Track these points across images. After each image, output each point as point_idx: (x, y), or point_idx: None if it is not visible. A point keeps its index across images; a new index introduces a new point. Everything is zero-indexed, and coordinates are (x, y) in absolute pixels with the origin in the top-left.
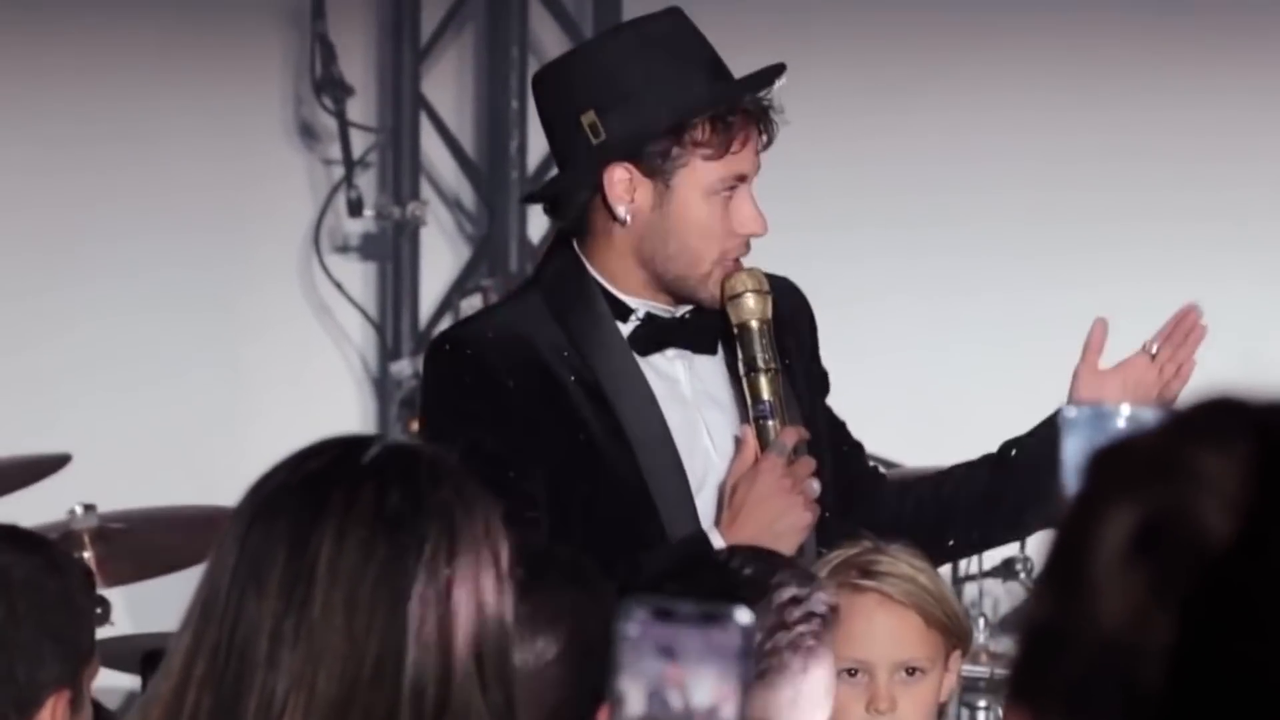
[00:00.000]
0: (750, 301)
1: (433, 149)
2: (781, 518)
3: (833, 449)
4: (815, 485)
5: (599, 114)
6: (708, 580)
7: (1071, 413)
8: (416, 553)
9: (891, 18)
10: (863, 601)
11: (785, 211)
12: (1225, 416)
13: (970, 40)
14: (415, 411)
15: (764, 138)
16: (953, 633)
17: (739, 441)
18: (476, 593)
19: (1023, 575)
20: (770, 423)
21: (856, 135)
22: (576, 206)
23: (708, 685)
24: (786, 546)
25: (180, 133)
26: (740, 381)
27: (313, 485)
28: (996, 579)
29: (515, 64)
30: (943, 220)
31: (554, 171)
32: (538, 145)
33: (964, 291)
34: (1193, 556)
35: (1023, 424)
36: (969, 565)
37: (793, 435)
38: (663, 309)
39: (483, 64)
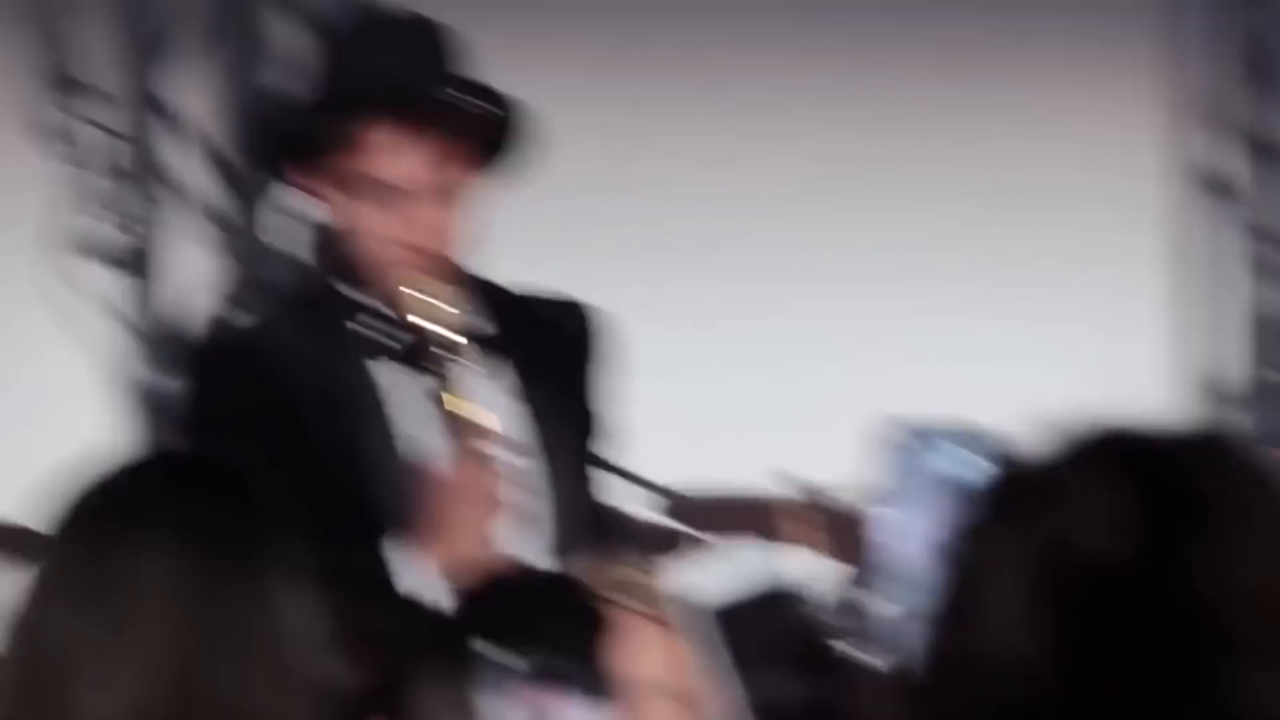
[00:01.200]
0: (436, 305)
1: (176, 148)
2: (470, 520)
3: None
4: (509, 486)
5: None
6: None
7: (899, 437)
8: (217, 565)
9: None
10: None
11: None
12: (1108, 445)
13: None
14: (166, 422)
15: (450, 142)
16: (693, 636)
17: (420, 438)
18: (279, 603)
19: None
20: (463, 426)
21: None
22: None
23: None
24: (476, 548)
25: None
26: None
27: (112, 497)
28: None
29: (252, 55)
30: (742, 241)
31: None
32: None
33: (769, 315)
34: (1085, 578)
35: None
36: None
37: (482, 438)
38: None
39: (221, 57)
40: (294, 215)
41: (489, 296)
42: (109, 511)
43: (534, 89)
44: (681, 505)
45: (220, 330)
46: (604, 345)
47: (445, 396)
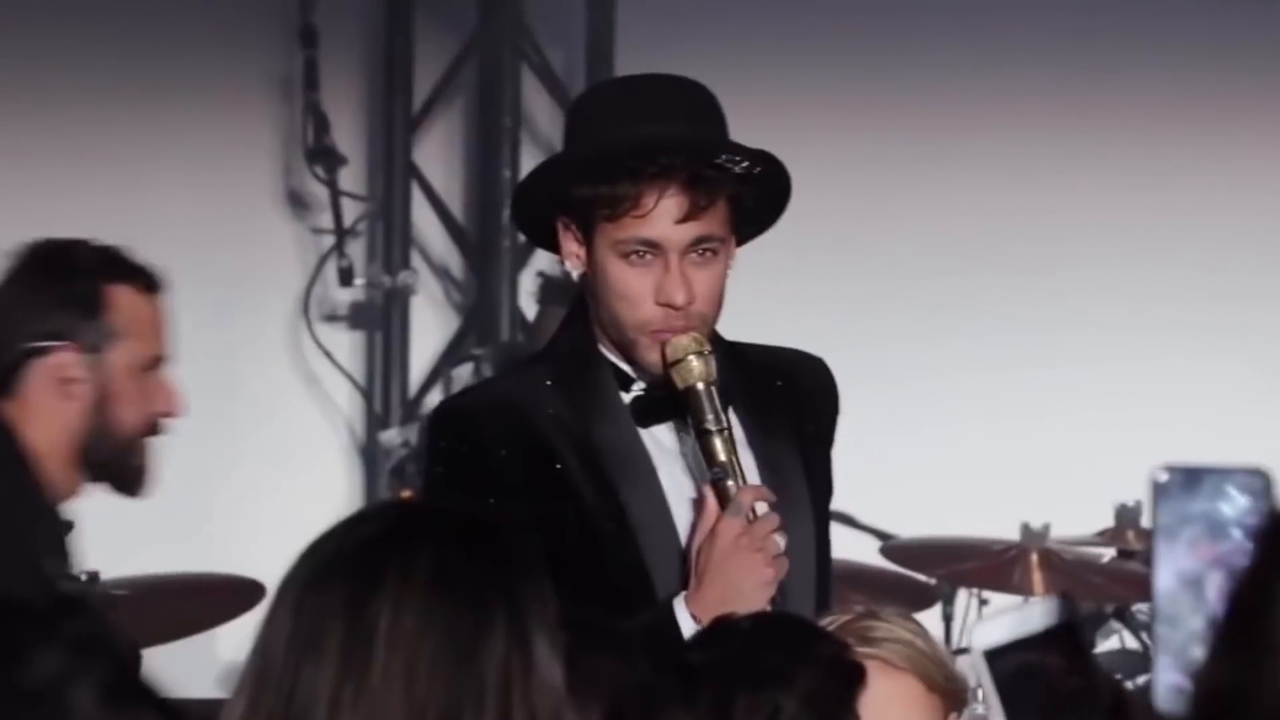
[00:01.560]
0: (693, 364)
1: (423, 218)
2: (745, 577)
3: (817, 513)
4: (779, 541)
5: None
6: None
7: (1163, 476)
8: (476, 618)
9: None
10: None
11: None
12: None
13: (962, 113)
14: (404, 480)
15: (705, 200)
16: (952, 695)
17: (697, 504)
18: (534, 657)
19: None
20: (729, 483)
21: (851, 216)
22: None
23: None
24: (752, 604)
25: (172, 200)
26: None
27: (368, 550)
28: None
29: (507, 133)
30: (937, 302)
31: None
32: None
33: (962, 370)
34: None
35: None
36: (961, 637)
37: (750, 494)
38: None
39: (474, 133)
40: (549, 278)
41: (725, 350)
42: (366, 564)
43: (779, 145)
44: (903, 550)
45: (474, 393)
46: (836, 401)
47: (716, 446)
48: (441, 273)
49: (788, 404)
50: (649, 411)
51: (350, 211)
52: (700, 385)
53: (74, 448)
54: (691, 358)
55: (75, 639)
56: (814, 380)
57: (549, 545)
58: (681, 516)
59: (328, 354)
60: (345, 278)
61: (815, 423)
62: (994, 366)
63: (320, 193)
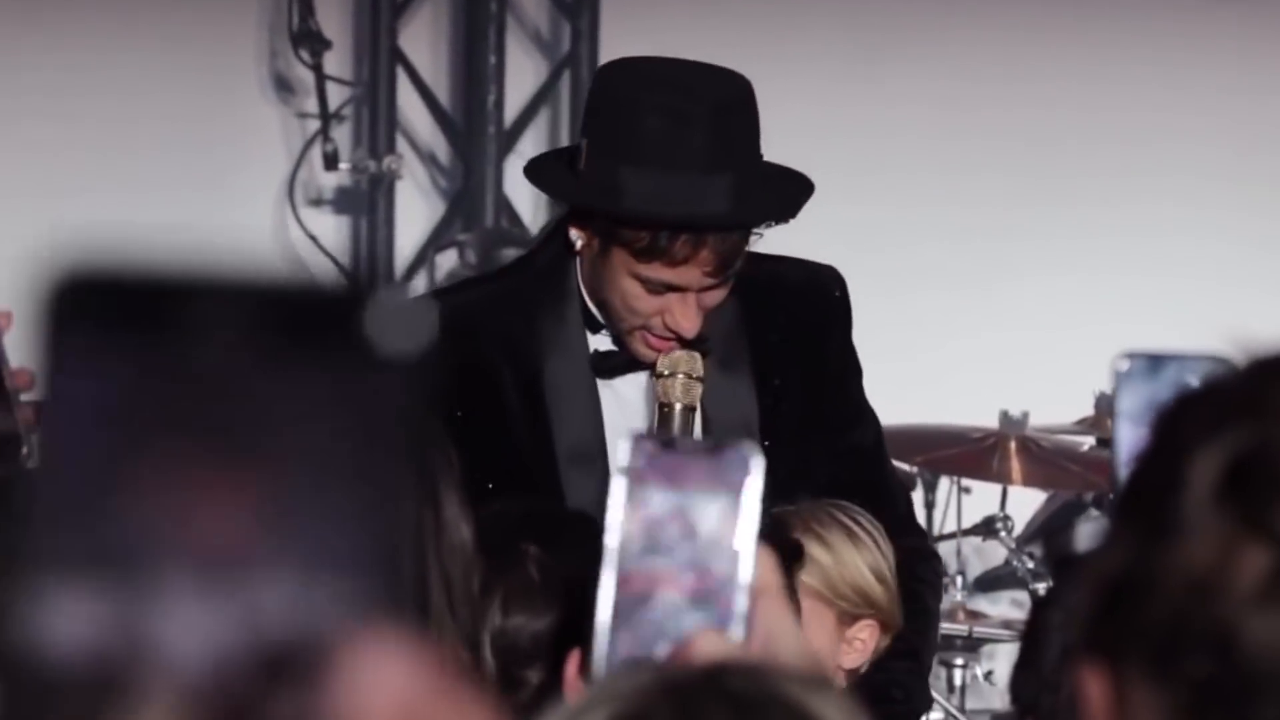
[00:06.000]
0: (678, 387)
1: (409, 103)
2: None
3: (829, 451)
4: None
5: (588, 149)
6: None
7: (1124, 364)
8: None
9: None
10: None
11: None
12: None
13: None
14: None
15: (736, 257)
16: (847, 611)
17: None
18: (444, 516)
19: (1003, 534)
20: None
21: (840, 102)
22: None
23: (712, 517)
24: None
25: (155, 86)
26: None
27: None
28: (975, 537)
29: (493, 18)
30: (919, 195)
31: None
32: (515, 100)
33: (943, 261)
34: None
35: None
36: (944, 523)
37: None
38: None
39: (460, 18)
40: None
41: (738, 278)
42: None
43: (775, 38)
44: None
45: (453, 293)
46: (848, 313)
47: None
48: (427, 158)
49: (799, 323)
50: (613, 367)
51: (335, 96)
52: (678, 406)
53: None
54: (681, 377)
55: None
56: (827, 292)
57: (473, 474)
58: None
59: (313, 238)
60: (330, 162)
61: (829, 354)
62: (974, 257)
63: (305, 77)
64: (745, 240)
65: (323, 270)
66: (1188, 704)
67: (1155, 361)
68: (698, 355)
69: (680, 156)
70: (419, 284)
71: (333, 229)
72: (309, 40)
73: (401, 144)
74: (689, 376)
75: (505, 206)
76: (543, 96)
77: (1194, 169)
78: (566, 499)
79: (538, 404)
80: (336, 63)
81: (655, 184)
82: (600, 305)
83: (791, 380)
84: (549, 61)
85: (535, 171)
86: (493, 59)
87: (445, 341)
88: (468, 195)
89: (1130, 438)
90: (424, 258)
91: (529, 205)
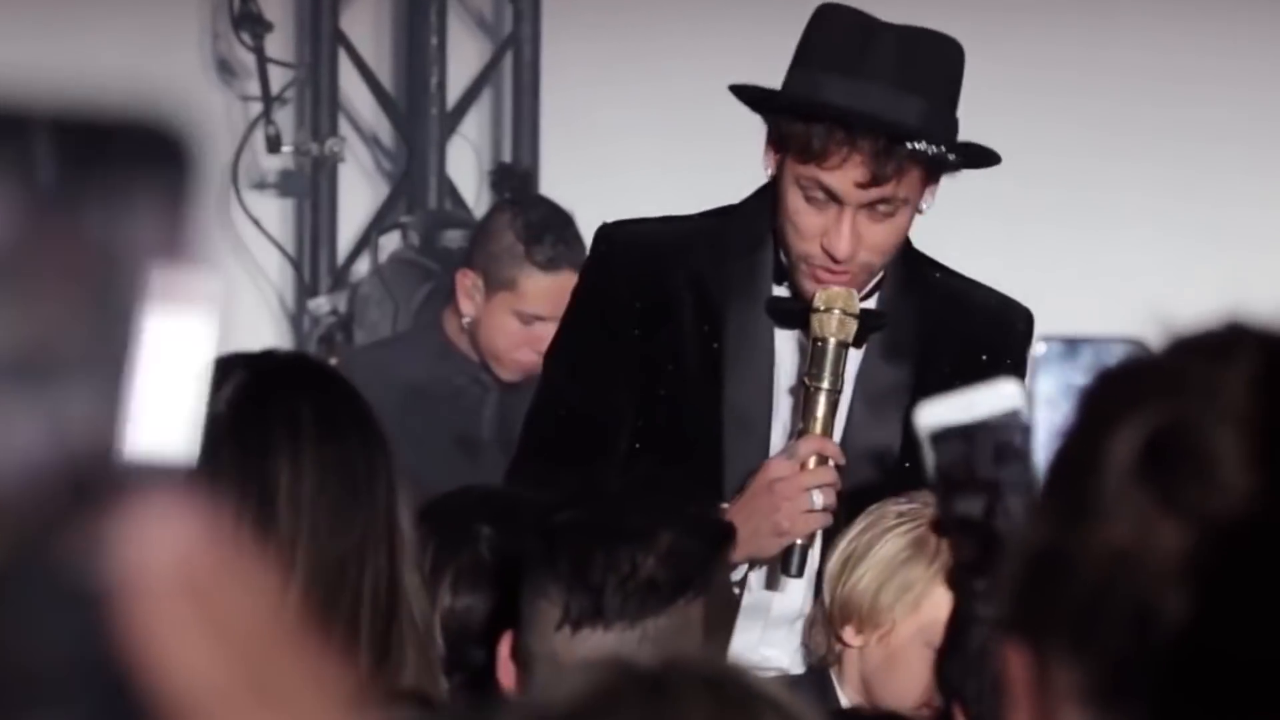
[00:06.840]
0: (834, 321)
1: (351, 85)
2: (763, 520)
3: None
4: (818, 497)
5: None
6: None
7: (1041, 348)
8: (369, 462)
9: None
10: None
11: None
12: (1230, 336)
13: None
14: (333, 348)
15: (890, 173)
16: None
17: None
18: (399, 505)
19: None
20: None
21: None
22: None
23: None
24: (763, 550)
25: (97, 65)
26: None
27: (247, 409)
28: None
29: (434, 0)
30: None
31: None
32: (457, 81)
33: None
34: (1201, 468)
35: None
36: None
37: (812, 445)
38: None
39: (401, 0)
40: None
41: (918, 285)
42: (249, 422)
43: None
44: None
45: (636, 226)
46: (1025, 350)
47: (819, 402)
48: (370, 140)
49: (970, 348)
50: (789, 312)
51: (278, 79)
52: (832, 341)
53: None
54: (837, 312)
55: None
56: (991, 335)
57: (636, 417)
58: (779, 426)
59: (256, 222)
60: (273, 145)
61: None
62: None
63: (247, 60)
64: (901, 168)
65: (266, 255)
66: (1106, 680)
67: (1071, 346)
68: (854, 291)
69: (866, 66)
70: (361, 267)
71: (276, 212)
72: (250, 23)
73: (344, 126)
74: (845, 313)
75: (448, 188)
76: (485, 78)
77: None
78: (725, 463)
79: (715, 353)
80: (278, 45)
81: (828, 80)
82: (780, 241)
83: (947, 386)
84: (491, 43)
85: (739, 89)
86: (434, 40)
87: (633, 264)
88: (410, 177)
89: (1048, 421)
90: (367, 240)
91: (472, 187)
